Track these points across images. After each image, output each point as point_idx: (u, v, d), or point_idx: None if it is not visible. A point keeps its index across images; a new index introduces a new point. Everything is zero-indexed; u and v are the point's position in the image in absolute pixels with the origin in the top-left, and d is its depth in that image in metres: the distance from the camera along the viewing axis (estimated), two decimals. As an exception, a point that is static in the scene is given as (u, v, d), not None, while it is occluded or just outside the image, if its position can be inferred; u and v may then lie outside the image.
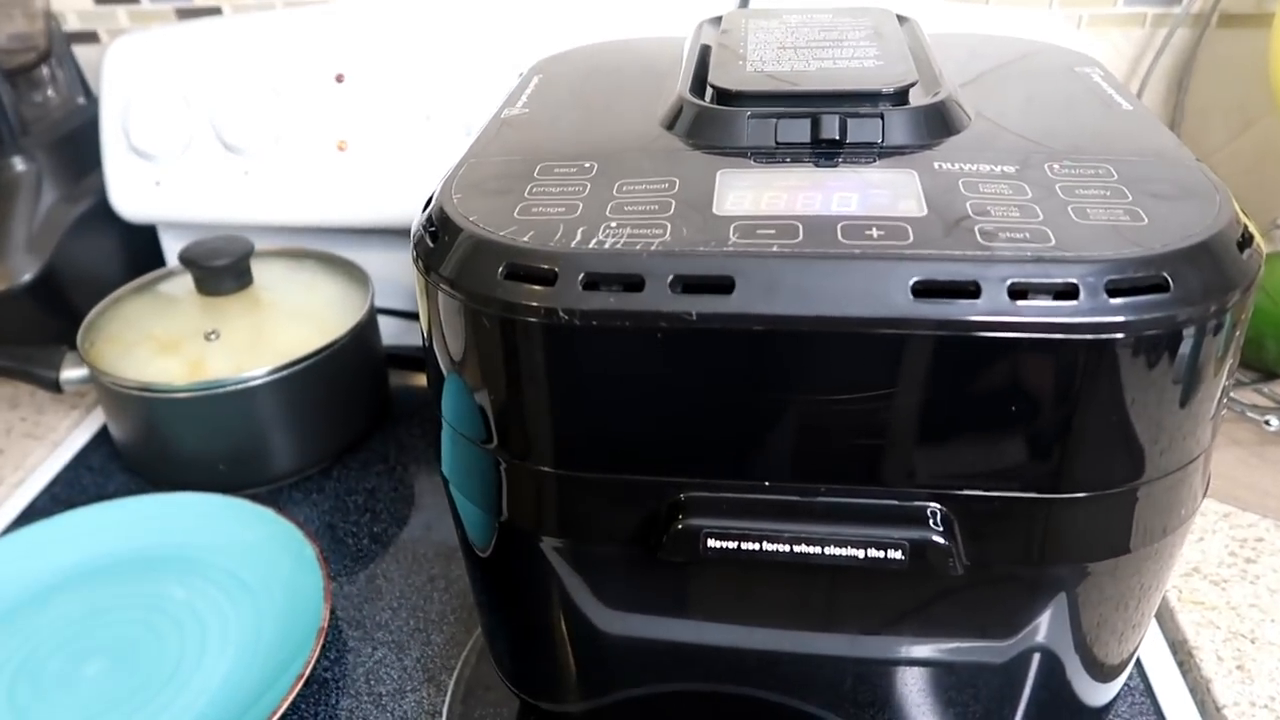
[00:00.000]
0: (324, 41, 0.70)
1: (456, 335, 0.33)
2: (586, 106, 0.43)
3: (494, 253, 0.31)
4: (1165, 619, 0.52)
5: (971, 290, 0.28)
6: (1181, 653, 0.50)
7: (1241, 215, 0.32)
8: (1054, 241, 0.29)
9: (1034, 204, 0.31)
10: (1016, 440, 0.31)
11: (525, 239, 0.31)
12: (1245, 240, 0.31)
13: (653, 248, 0.30)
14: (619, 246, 0.31)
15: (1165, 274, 0.29)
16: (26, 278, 0.70)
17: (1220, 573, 0.53)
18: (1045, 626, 0.36)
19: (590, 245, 0.31)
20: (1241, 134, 0.76)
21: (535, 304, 0.30)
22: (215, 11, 0.82)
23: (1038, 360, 0.29)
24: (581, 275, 0.30)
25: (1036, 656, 0.38)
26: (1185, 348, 0.29)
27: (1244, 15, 0.73)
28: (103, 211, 0.75)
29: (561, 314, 0.30)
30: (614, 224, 0.32)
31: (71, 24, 0.84)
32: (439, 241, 0.33)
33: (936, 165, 0.34)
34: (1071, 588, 0.35)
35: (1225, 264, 0.30)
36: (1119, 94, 0.41)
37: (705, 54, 0.43)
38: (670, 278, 0.30)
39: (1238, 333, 0.31)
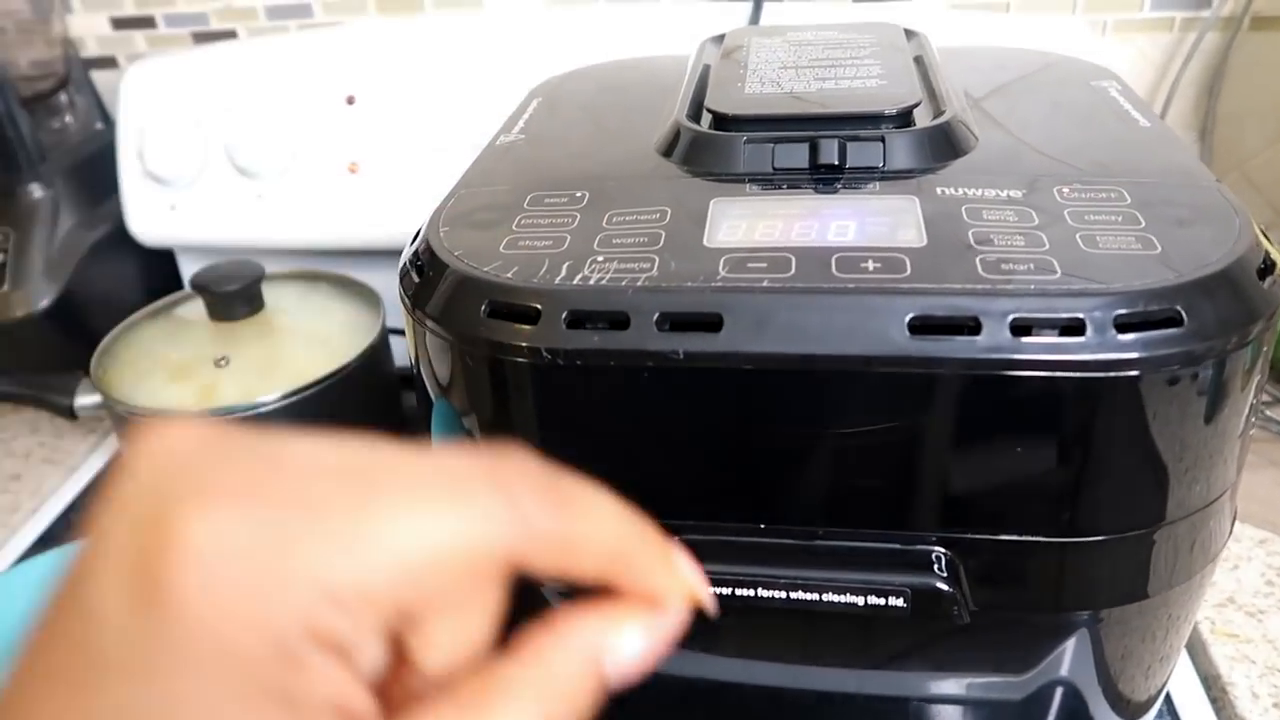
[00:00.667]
0: (335, 64, 0.70)
1: (443, 372, 0.33)
2: (583, 132, 0.42)
3: (478, 289, 0.31)
4: (1197, 652, 0.50)
5: (971, 326, 0.27)
6: (1215, 689, 0.48)
7: (1264, 240, 0.30)
8: (1060, 273, 0.28)
9: (1040, 231, 0.30)
10: (1023, 482, 0.29)
11: (509, 275, 0.31)
12: (1267, 267, 0.29)
13: (639, 283, 0.29)
14: (604, 282, 0.29)
15: (1179, 307, 0.27)
16: (44, 304, 0.70)
17: (1256, 603, 0.51)
18: (1066, 661, 0.35)
19: (575, 281, 0.30)
20: (1277, 140, 0.74)
21: (519, 343, 0.29)
22: (230, 35, 0.82)
23: (1043, 399, 0.27)
24: (565, 313, 0.29)
25: (1058, 692, 0.36)
26: (1203, 384, 0.28)
27: (1277, 18, 0.71)
28: (120, 236, 0.75)
29: (545, 353, 0.29)
30: (601, 258, 0.31)
31: (90, 49, 0.85)
32: (425, 277, 0.33)
33: (939, 190, 0.33)
34: (1092, 624, 0.33)
35: (1245, 294, 0.28)
36: (1136, 109, 0.39)
37: (705, 75, 0.42)
38: (656, 315, 0.29)
39: (1262, 357, 0.29)
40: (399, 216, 0.69)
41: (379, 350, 0.66)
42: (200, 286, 0.64)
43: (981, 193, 0.32)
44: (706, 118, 0.38)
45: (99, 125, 0.81)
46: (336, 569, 0.16)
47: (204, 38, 0.83)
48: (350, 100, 0.70)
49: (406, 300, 0.33)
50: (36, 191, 0.72)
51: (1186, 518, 0.31)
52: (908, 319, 0.27)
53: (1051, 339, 0.27)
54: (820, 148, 0.34)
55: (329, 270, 0.73)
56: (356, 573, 0.16)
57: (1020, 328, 0.27)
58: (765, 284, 0.29)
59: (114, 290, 0.76)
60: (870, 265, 0.29)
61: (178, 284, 0.80)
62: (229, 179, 0.72)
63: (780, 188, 0.34)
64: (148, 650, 0.15)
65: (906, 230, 0.31)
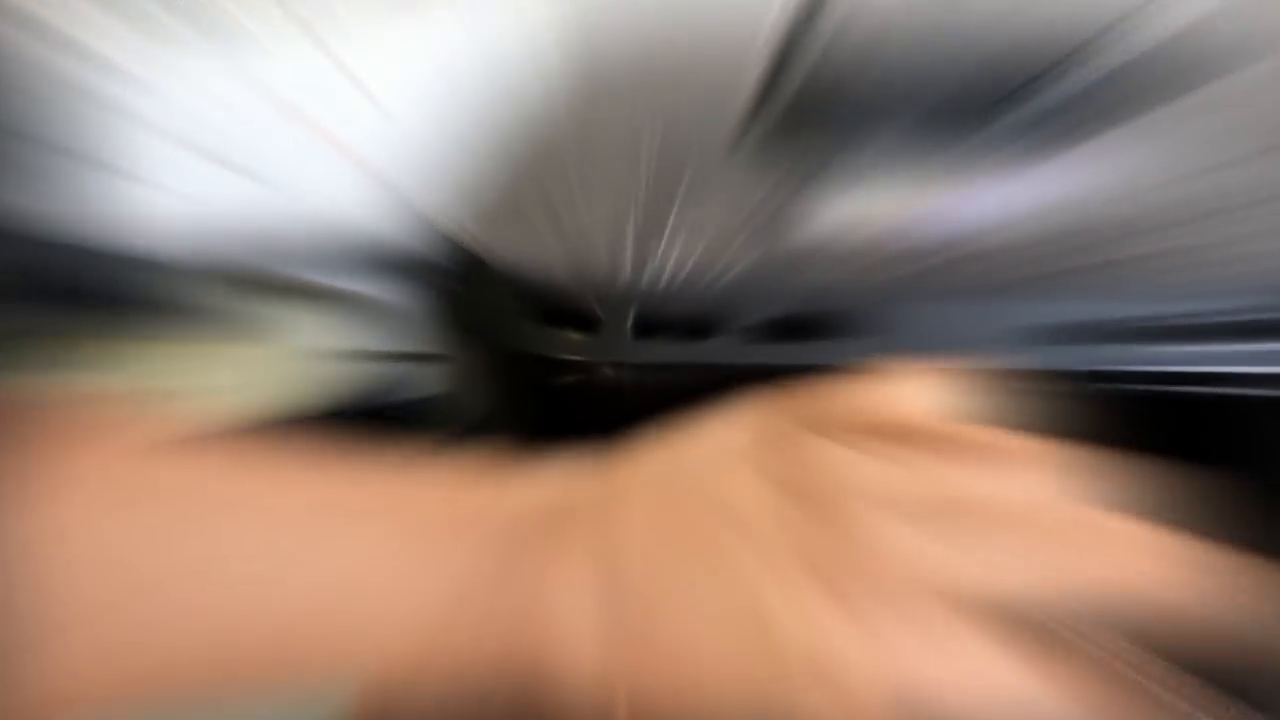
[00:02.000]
0: (348, 62, 0.67)
1: (481, 398, 0.28)
2: (645, 93, 0.37)
3: (522, 291, 0.27)
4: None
5: (1123, 331, 0.22)
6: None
7: None
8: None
9: (1237, 212, 0.25)
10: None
11: (561, 273, 0.26)
12: None
13: (723, 282, 0.25)
14: (680, 281, 0.25)
15: None
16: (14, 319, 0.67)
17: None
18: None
19: (644, 280, 0.26)
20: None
21: (574, 356, 0.25)
22: (239, 33, 0.79)
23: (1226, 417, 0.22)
24: (632, 318, 0.25)
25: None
26: None
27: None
28: (94, 244, 0.72)
29: (607, 368, 0.25)
30: (674, 252, 0.26)
31: (92, 51, 0.82)
32: (457, 281, 0.29)
33: (1107, 160, 0.27)
34: None
35: None
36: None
37: (811, 7, 0.37)
38: (743, 320, 0.25)
39: None
40: (418, 220, 0.65)
41: (386, 377, 0.62)
42: (184, 304, 0.60)
43: (1187, 156, 0.27)
44: (802, 68, 0.33)
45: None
46: None
47: (212, 36, 0.79)
48: (368, 96, 0.66)
49: (437, 310, 0.29)
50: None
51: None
52: (1046, 322, 0.23)
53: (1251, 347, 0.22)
54: (951, 109, 0.29)
55: (336, 285, 0.69)
56: None
57: (1204, 331, 0.22)
58: (877, 282, 0.25)
59: (79, 306, 0.73)
60: (1002, 259, 0.24)
61: (161, 299, 0.77)
62: (226, 181, 0.69)
63: (899, 162, 0.29)
64: None
65: (1050, 216, 0.26)
